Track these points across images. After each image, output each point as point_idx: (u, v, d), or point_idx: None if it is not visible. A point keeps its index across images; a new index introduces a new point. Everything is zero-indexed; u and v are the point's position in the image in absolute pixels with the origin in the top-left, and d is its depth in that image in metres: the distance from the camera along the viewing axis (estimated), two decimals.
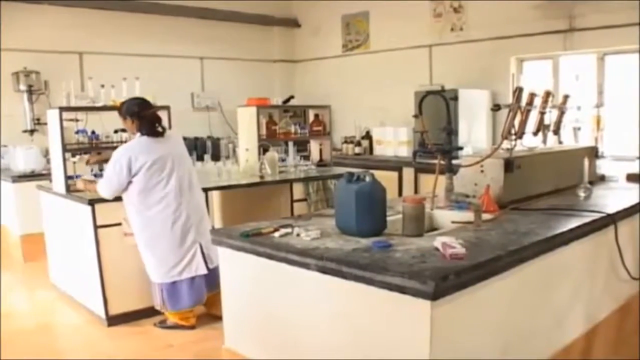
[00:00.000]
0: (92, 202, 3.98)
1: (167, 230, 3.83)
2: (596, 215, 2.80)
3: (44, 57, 6.72)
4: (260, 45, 8.79)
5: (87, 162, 4.46)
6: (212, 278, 3.93)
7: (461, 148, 3.73)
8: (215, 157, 5.87)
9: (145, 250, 3.90)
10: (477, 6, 6.70)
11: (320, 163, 6.01)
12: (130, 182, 3.78)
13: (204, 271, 3.93)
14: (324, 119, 5.99)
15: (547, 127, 3.70)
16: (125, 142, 4.47)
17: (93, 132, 4.47)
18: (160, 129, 3.89)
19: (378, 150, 7.46)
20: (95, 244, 4.00)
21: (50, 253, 4.96)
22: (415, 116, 3.31)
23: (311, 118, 6.07)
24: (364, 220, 2.40)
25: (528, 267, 2.31)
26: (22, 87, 6.62)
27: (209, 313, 4.12)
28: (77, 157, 4.57)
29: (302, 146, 6.40)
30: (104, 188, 3.85)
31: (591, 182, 3.46)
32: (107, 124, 4.66)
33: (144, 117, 3.86)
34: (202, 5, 7.79)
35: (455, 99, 6.05)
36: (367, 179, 2.45)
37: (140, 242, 3.91)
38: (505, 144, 3.21)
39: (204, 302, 4.06)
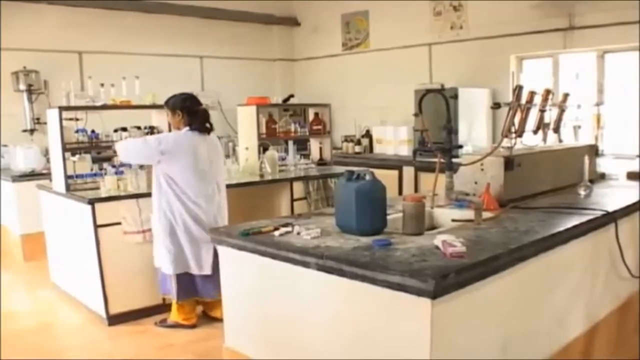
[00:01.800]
0: (92, 202, 3.98)
1: (198, 225, 3.84)
2: (597, 214, 2.80)
3: (43, 56, 6.72)
4: (260, 44, 8.79)
5: None
6: (217, 281, 3.93)
7: (461, 146, 3.73)
8: None
9: (166, 238, 3.85)
10: (477, 5, 6.69)
11: (320, 162, 6.00)
12: (166, 171, 3.77)
13: (208, 272, 3.92)
14: (324, 117, 5.98)
15: (547, 125, 3.69)
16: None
17: (93, 131, 4.47)
18: (208, 126, 3.94)
19: (378, 149, 7.46)
20: (95, 243, 4.00)
21: (50, 252, 4.96)
22: (416, 115, 3.31)
23: (311, 117, 6.07)
24: (364, 219, 2.39)
25: (528, 265, 2.31)
26: (22, 86, 6.61)
27: (210, 316, 4.11)
28: (77, 156, 4.57)
29: (302, 145, 6.40)
30: (128, 146, 3.87)
31: (591, 181, 3.46)
32: (107, 123, 4.65)
33: (197, 112, 3.90)
34: (201, 5, 7.78)
35: (455, 97, 6.05)
36: (367, 177, 2.45)
37: (163, 229, 3.85)
38: (506, 143, 3.20)
39: (198, 298, 4.06)
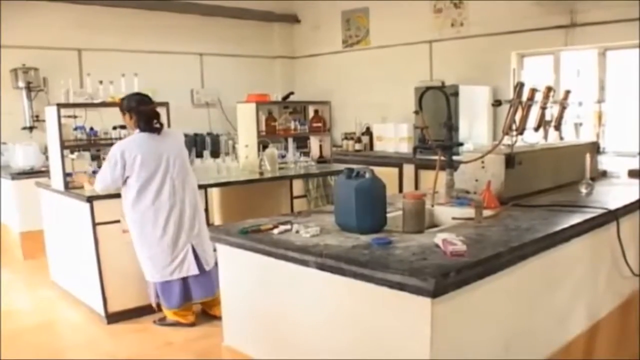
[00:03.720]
0: (90, 199, 3.96)
1: (159, 231, 3.81)
2: (598, 212, 2.78)
3: (42, 53, 6.71)
4: (260, 42, 8.77)
5: None
6: (209, 281, 3.92)
7: (462, 144, 3.71)
8: (215, 154, 5.87)
9: (139, 249, 3.89)
10: (477, 2, 6.67)
11: (320, 159, 5.99)
12: (127, 178, 3.76)
13: (195, 272, 3.91)
14: (324, 115, 5.97)
15: (549, 122, 3.66)
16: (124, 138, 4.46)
17: (92, 129, 4.46)
18: (157, 125, 3.85)
19: (378, 147, 7.45)
20: (94, 241, 3.99)
21: (49, 250, 4.95)
22: (416, 112, 3.29)
23: (311, 114, 6.05)
24: (364, 217, 2.38)
25: (529, 263, 2.29)
26: (21, 84, 6.60)
27: (210, 314, 4.10)
28: (76, 153, 4.56)
29: (302, 142, 6.39)
30: (98, 182, 3.84)
31: (593, 178, 3.44)
32: (106, 121, 4.64)
33: (142, 112, 3.82)
34: (201, 2, 7.76)
35: (456, 94, 6.00)
36: (367, 175, 2.43)
37: (135, 240, 3.89)
38: (506, 140, 3.18)
39: (193, 302, 4.05)
